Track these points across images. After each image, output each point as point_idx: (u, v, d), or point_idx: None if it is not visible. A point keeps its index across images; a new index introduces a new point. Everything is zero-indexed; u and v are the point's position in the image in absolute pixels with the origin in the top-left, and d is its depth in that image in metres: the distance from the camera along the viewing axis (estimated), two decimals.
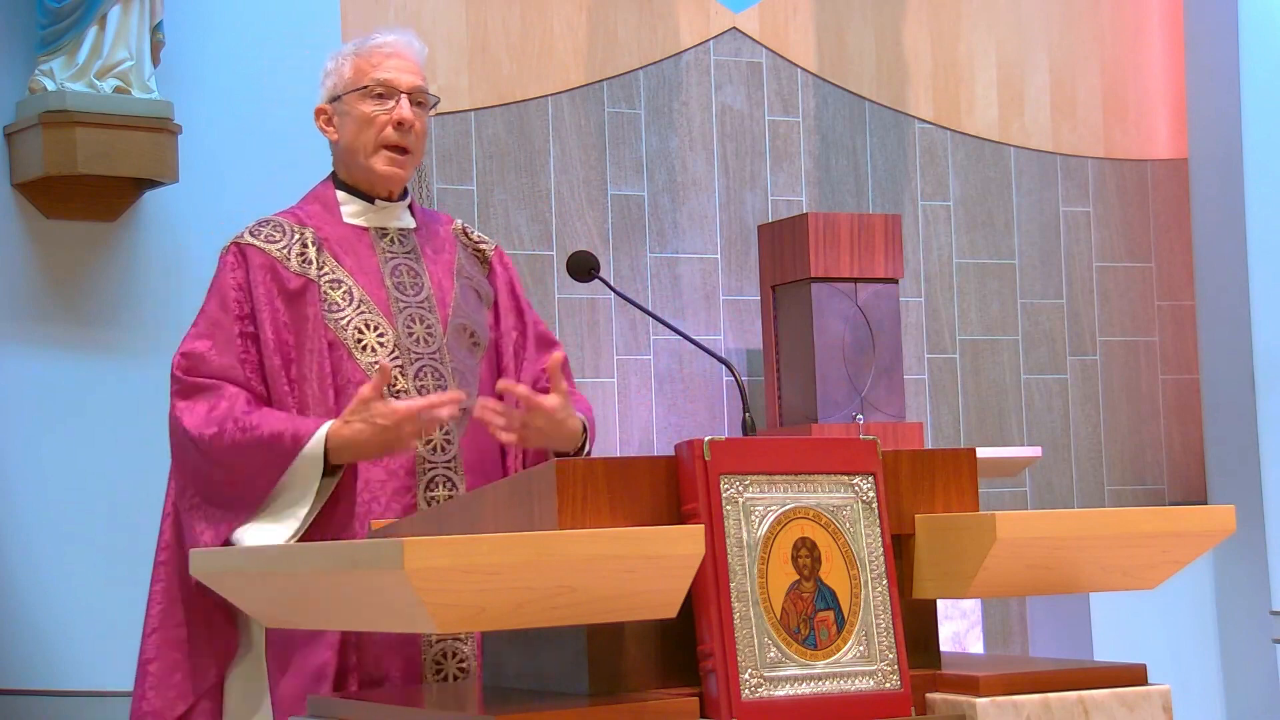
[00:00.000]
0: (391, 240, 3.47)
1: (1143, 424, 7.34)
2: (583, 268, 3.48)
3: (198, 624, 3.32)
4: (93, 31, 4.94)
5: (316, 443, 3.19)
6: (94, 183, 4.98)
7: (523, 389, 3.21)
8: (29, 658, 4.90)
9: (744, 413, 3.08)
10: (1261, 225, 6.98)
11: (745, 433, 3.10)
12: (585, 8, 6.56)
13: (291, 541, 3.22)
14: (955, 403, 7.04)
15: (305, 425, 3.22)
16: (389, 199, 3.48)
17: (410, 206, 3.54)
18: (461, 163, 6.22)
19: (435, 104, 3.52)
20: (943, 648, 2.82)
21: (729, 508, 2.52)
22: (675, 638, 2.56)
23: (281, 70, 5.33)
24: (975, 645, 6.55)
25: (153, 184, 5.07)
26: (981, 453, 3.26)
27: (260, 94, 5.30)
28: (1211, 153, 7.18)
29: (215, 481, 3.31)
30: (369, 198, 3.47)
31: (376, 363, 3.31)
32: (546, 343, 3.58)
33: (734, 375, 3.24)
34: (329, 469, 3.23)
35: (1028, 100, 7.24)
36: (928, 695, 2.65)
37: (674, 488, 2.56)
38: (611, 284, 3.56)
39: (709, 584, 2.48)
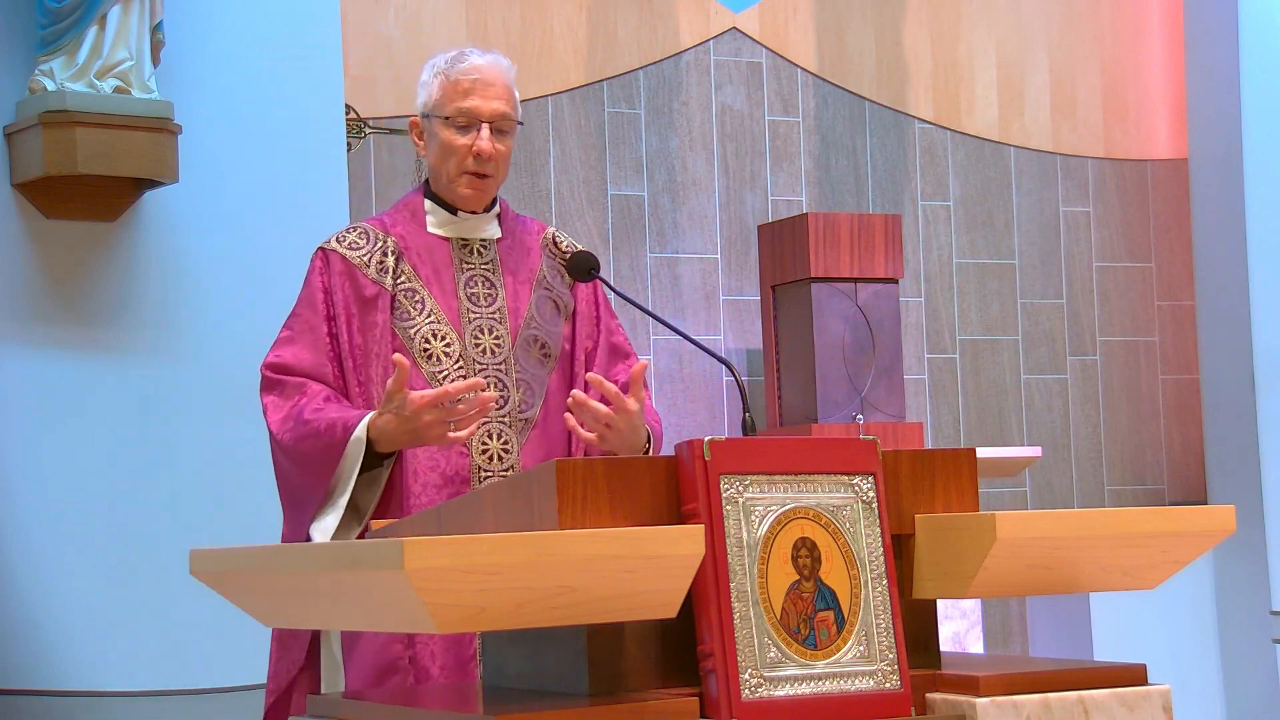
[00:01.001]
0: (472, 251, 3.54)
1: (1143, 424, 7.34)
2: (583, 268, 3.48)
3: None
4: (93, 31, 4.94)
5: (360, 430, 3.28)
6: (94, 183, 4.98)
7: (613, 388, 3.25)
8: (29, 658, 4.90)
9: (744, 413, 3.08)
10: (1261, 225, 6.99)
11: (745, 433, 3.09)
12: (585, 8, 6.56)
13: (342, 532, 3.31)
14: (955, 403, 7.04)
15: (354, 414, 3.32)
16: (472, 212, 3.55)
17: (500, 215, 3.60)
18: None
19: (515, 125, 3.55)
20: (943, 648, 2.81)
21: (729, 508, 2.52)
22: (675, 638, 2.56)
23: (281, 70, 5.33)
24: (975, 645, 6.55)
25: (153, 184, 5.07)
26: (981, 453, 3.26)
27: (260, 94, 5.30)
28: (1211, 153, 7.18)
29: (292, 478, 3.41)
30: (453, 209, 3.55)
31: (441, 372, 3.41)
32: (620, 353, 3.62)
33: (734, 375, 3.24)
34: (376, 459, 3.31)
35: (1028, 100, 7.24)
36: (928, 695, 2.65)
37: (674, 488, 2.56)
38: (611, 284, 3.56)
39: (709, 584, 2.48)
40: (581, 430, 3.29)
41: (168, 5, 5.08)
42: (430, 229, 3.54)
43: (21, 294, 4.99)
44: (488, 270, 3.53)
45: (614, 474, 2.52)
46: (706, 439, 2.54)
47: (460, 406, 3.22)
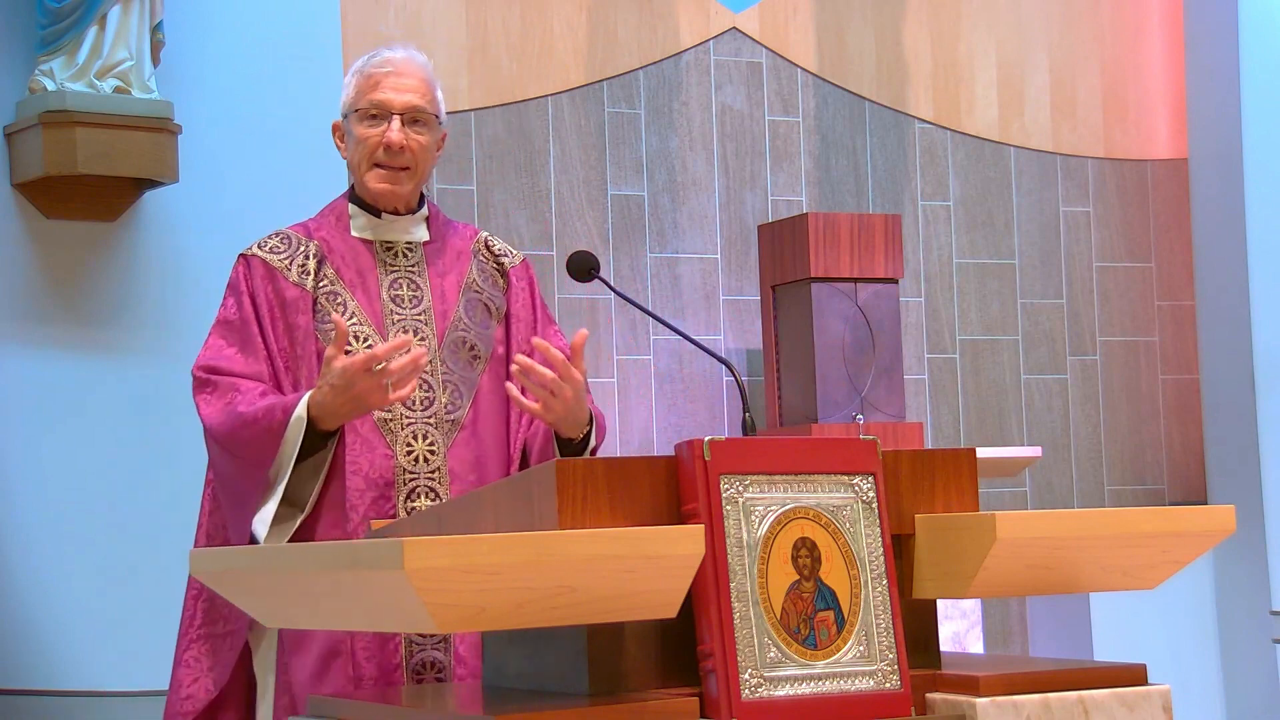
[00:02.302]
0: (397, 254, 3.51)
1: (1143, 424, 7.34)
2: (583, 268, 3.47)
3: (218, 623, 3.37)
4: (93, 31, 4.94)
5: (300, 408, 3.25)
6: (94, 183, 4.98)
7: (559, 355, 3.21)
8: (29, 658, 4.90)
9: (744, 413, 3.08)
10: (1261, 225, 6.98)
11: (745, 433, 3.09)
12: (585, 8, 6.56)
13: (279, 525, 3.28)
14: (955, 403, 7.04)
15: (292, 397, 3.30)
16: (395, 213, 3.51)
17: (429, 219, 3.56)
18: (461, 163, 6.22)
19: (435, 117, 3.49)
20: (943, 648, 2.82)
21: (729, 508, 2.52)
22: (675, 638, 2.56)
23: (281, 70, 5.33)
24: (975, 645, 6.55)
25: (153, 184, 5.07)
26: (981, 453, 3.27)
27: (260, 94, 5.30)
28: (1211, 153, 7.18)
29: (231, 474, 3.36)
30: (376, 212, 3.51)
31: None
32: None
33: (734, 375, 3.24)
34: (319, 441, 3.28)
35: (1028, 100, 7.24)
36: (928, 695, 2.65)
37: (674, 488, 2.56)
38: (611, 284, 3.56)
39: (709, 584, 2.48)
40: (524, 400, 3.24)
41: (168, 5, 5.08)
42: (354, 232, 3.51)
43: (21, 294, 4.99)
44: (413, 273, 3.50)
45: (614, 474, 2.52)
46: (706, 439, 2.54)
47: (393, 366, 3.17)
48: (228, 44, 5.28)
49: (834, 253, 6.27)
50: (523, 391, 3.27)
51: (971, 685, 2.61)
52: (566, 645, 2.58)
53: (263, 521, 3.29)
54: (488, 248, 3.60)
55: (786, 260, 6.36)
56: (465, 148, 6.21)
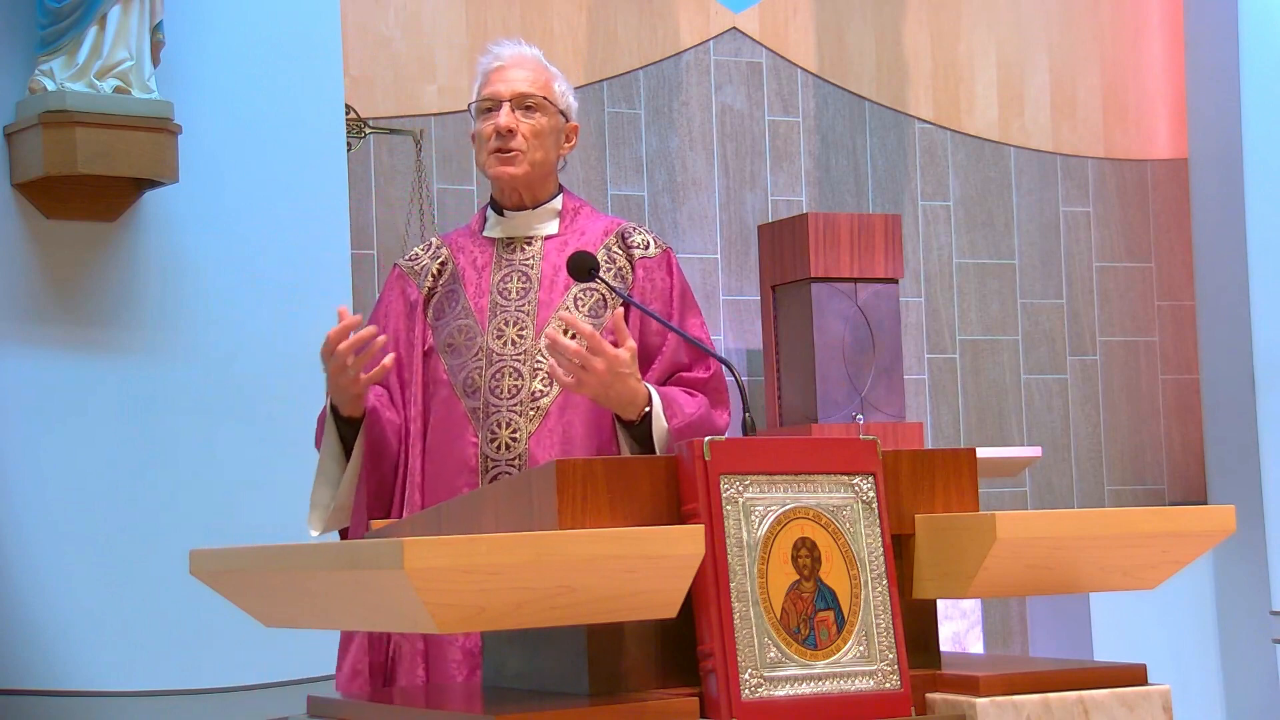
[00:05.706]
0: (515, 248, 3.55)
1: (1143, 424, 7.34)
2: (582, 268, 3.46)
3: None
4: (93, 31, 4.94)
5: (327, 400, 3.39)
6: (94, 183, 4.98)
7: (588, 328, 3.22)
8: (29, 658, 4.90)
9: (744, 413, 3.07)
10: (1261, 225, 6.99)
11: (745, 433, 3.09)
12: (585, 8, 6.56)
13: (331, 504, 3.41)
14: (955, 403, 7.04)
15: None
16: (517, 208, 3.55)
17: (562, 213, 3.57)
18: (461, 162, 6.22)
19: (548, 102, 3.52)
20: (943, 648, 2.82)
21: (729, 508, 2.52)
22: (675, 638, 2.56)
23: (281, 70, 5.33)
24: (975, 645, 6.55)
25: (153, 184, 5.07)
26: (981, 453, 3.26)
27: (260, 94, 5.30)
28: (1211, 153, 7.18)
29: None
30: (501, 209, 3.58)
31: (460, 365, 3.44)
32: (694, 355, 3.54)
33: (734, 375, 3.24)
34: (347, 424, 3.39)
35: (1028, 100, 7.24)
36: (928, 695, 2.65)
37: (674, 488, 2.56)
38: (612, 284, 3.55)
39: (709, 584, 2.48)
40: (560, 374, 3.23)
41: (168, 5, 5.07)
42: (485, 232, 3.58)
43: (21, 294, 4.99)
44: (527, 266, 3.53)
45: (614, 474, 2.52)
46: (706, 439, 2.54)
47: (340, 347, 3.22)
48: (228, 44, 5.28)
49: (834, 253, 6.28)
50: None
51: (971, 685, 2.61)
52: (566, 645, 2.58)
53: (318, 521, 3.42)
54: (623, 239, 3.56)
55: (786, 260, 6.36)
56: (465, 148, 6.21)
